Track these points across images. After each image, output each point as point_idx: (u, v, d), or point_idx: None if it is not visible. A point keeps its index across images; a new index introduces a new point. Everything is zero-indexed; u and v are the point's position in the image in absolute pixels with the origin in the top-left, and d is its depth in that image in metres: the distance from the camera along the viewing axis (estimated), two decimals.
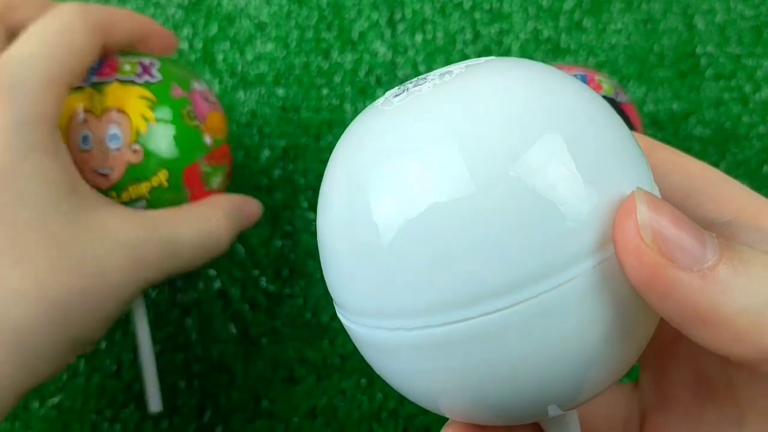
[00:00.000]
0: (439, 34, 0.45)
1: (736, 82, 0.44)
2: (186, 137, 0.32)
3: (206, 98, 0.34)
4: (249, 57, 0.45)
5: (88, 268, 0.29)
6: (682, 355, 0.22)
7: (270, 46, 0.45)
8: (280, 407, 0.38)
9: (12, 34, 0.31)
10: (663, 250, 0.16)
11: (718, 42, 0.45)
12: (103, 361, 0.39)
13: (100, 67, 0.32)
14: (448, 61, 0.45)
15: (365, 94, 0.44)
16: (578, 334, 0.17)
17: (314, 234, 0.19)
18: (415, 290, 0.17)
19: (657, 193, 0.19)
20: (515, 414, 0.18)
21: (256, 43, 0.45)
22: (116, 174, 0.31)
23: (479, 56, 0.45)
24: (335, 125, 0.43)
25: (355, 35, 0.45)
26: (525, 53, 0.45)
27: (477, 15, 0.46)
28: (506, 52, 0.45)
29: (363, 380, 0.38)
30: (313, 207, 0.41)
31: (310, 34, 0.45)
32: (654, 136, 0.43)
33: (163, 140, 0.32)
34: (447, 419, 0.21)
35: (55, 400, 0.38)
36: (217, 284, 0.40)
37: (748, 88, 0.44)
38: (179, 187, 0.32)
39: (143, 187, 0.32)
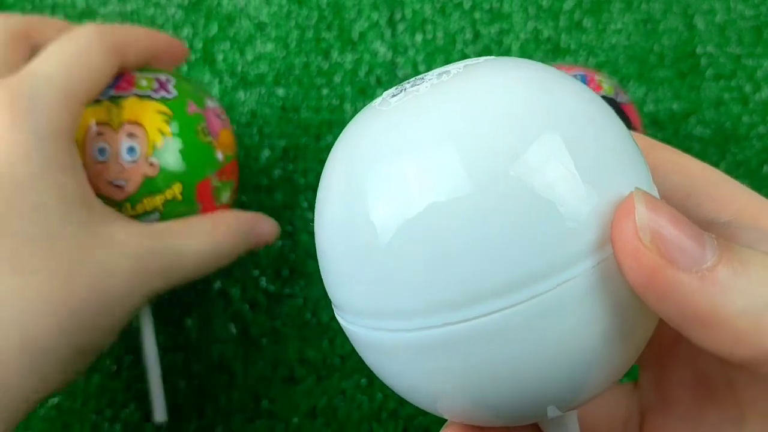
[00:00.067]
0: (439, 34, 0.45)
1: (736, 82, 0.44)
2: (200, 152, 0.33)
3: (218, 115, 0.35)
4: (249, 57, 0.45)
5: (97, 278, 0.29)
6: (681, 356, 0.22)
7: (270, 46, 0.45)
8: (280, 407, 0.38)
9: (33, 54, 0.32)
10: (662, 250, 0.16)
11: (718, 42, 0.45)
12: (103, 361, 0.39)
13: (118, 82, 0.33)
14: (448, 61, 0.45)
15: (365, 94, 0.44)
16: (577, 335, 0.17)
17: (314, 234, 0.19)
18: (414, 291, 0.17)
19: (656, 193, 0.19)
20: (514, 415, 0.18)
21: (256, 43, 0.45)
22: (132, 186, 0.32)
23: (479, 56, 0.45)
24: (335, 125, 0.43)
25: (355, 35, 0.45)
26: (525, 53, 0.45)
27: (477, 15, 0.46)
28: (506, 52, 0.45)
29: (363, 380, 0.38)
30: (313, 207, 0.41)
31: (310, 34, 0.45)
32: (654, 136, 0.43)
33: (178, 154, 0.32)
34: (446, 420, 0.21)
35: (55, 400, 0.38)
36: (217, 284, 0.40)
37: (748, 88, 0.44)
38: (192, 201, 0.33)
39: (157, 200, 0.32)
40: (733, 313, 0.16)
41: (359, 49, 0.45)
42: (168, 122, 0.32)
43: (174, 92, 0.33)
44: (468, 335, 0.17)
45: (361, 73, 0.44)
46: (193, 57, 0.45)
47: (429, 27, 0.45)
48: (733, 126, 0.43)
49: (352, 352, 0.38)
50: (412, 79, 0.20)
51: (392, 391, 0.20)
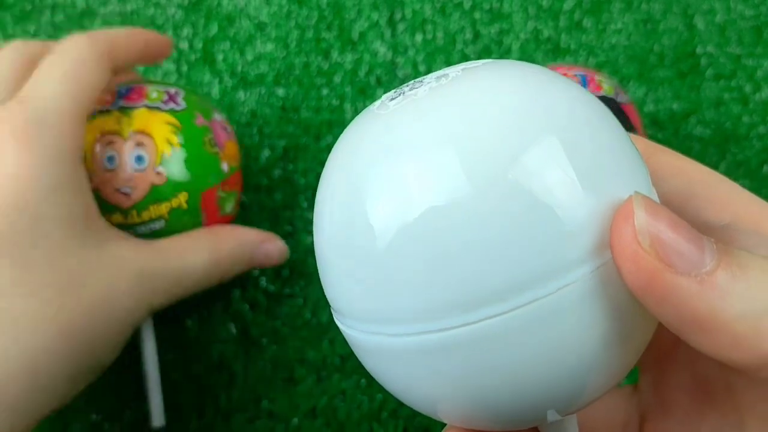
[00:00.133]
0: (439, 34, 0.45)
1: (736, 82, 0.44)
2: (206, 163, 0.34)
3: (224, 128, 0.36)
4: (249, 57, 0.45)
5: (99, 298, 0.30)
6: (680, 359, 0.22)
7: (270, 46, 0.45)
8: (280, 407, 0.38)
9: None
10: (661, 255, 0.16)
11: (718, 42, 0.45)
12: None
13: (128, 93, 0.34)
14: (448, 61, 0.45)
15: (365, 94, 0.44)
16: (576, 339, 0.17)
17: (313, 237, 0.19)
18: (413, 295, 0.17)
19: (655, 196, 0.19)
20: (514, 419, 0.18)
21: (256, 43, 0.45)
22: (138, 193, 0.33)
23: (479, 56, 0.45)
24: (335, 125, 0.43)
25: (355, 35, 0.45)
26: (525, 53, 0.45)
27: (477, 15, 0.46)
28: (506, 52, 0.45)
29: (363, 380, 0.38)
30: (313, 207, 0.41)
31: (310, 34, 0.45)
32: (654, 136, 0.43)
33: (185, 164, 0.33)
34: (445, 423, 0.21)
35: None
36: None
37: (748, 88, 0.44)
38: (196, 210, 0.34)
39: (163, 208, 0.33)
40: (732, 317, 0.16)
41: (359, 49, 0.45)
42: (176, 133, 0.33)
43: (183, 104, 0.34)
44: (467, 340, 0.17)
45: (361, 73, 0.44)
46: (193, 57, 0.45)
47: (429, 27, 0.45)
48: (733, 126, 0.43)
49: (352, 352, 0.38)
50: (411, 82, 0.20)
51: None
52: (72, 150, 0.31)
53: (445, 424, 0.20)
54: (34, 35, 0.46)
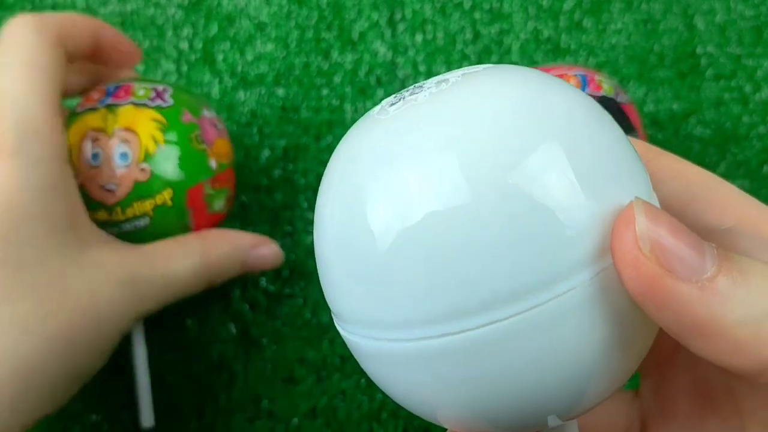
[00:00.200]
0: (439, 34, 0.45)
1: (737, 82, 0.44)
2: (192, 160, 0.34)
3: (215, 125, 0.36)
4: (249, 57, 0.45)
5: (85, 304, 0.30)
6: (681, 364, 0.22)
7: (270, 46, 0.45)
8: (280, 407, 0.38)
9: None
10: (661, 260, 0.16)
11: (719, 42, 0.45)
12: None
13: (116, 91, 0.34)
14: (448, 61, 0.45)
15: (365, 94, 0.44)
16: (577, 344, 0.17)
17: (313, 240, 0.19)
18: (413, 301, 0.17)
19: (656, 201, 0.19)
20: (514, 424, 0.18)
21: (256, 43, 0.45)
22: (122, 190, 0.32)
23: (479, 56, 0.45)
24: (335, 125, 0.43)
25: (355, 35, 0.45)
26: (525, 53, 0.45)
27: (477, 15, 0.46)
28: (506, 52, 0.45)
29: (363, 380, 0.38)
30: (313, 207, 0.41)
31: (310, 34, 0.45)
32: (654, 136, 0.43)
33: (169, 161, 0.33)
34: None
35: None
36: None
37: (748, 89, 0.44)
38: (182, 207, 0.34)
39: (147, 205, 0.33)
40: (733, 323, 0.16)
41: (359, 49, 0.45)
42: (162, 130, 0.33)
43: (170, 101, 0.34)
44: (467, 345, 0.17)
45: (361, 73, 0.44)
46: (193, 57, 0.45)
47: (429, 27, 0.45)
48: (733, 126, 0.43)
49: None
50: (411, 87, 0.20)
51: None
52: (57, 152, 0.30)
53: (445, 429, 0.21)
54: None
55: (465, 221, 0.16)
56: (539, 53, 0.45)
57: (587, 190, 0.17)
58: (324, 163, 0.41)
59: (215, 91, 0.44)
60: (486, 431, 0.19)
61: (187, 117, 0.34)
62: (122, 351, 0.35)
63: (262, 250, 0.36)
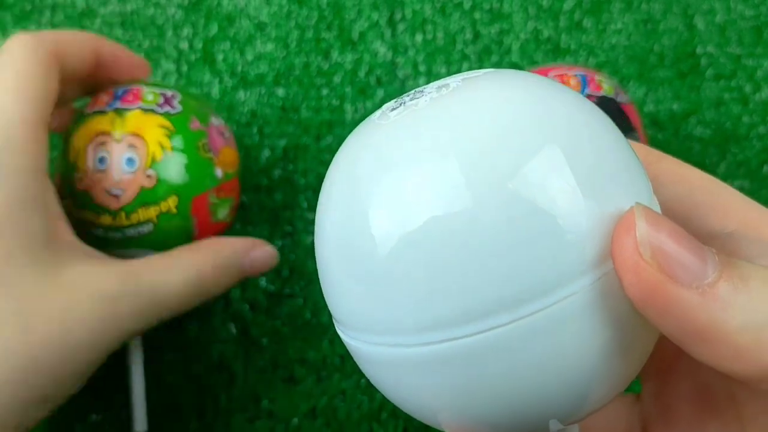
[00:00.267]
0: (439, 34, 0.45)
1: (737, 82, 0.44)
2: (198, 168, 0.34)
3: (222, 133, 0.36)
4: (249, 57, 0.45)
5: (59, 324, 0.28)
6: (682, 369, 0.22)
7: (270, 46, 0.45)
8: (280, 407, 0.38)
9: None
10: (662, 266, 0.16)
11: (719, 42, 0.45)
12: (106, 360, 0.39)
13: (125, 95, 0.34)
14: (449, 61, 0.44)
15: (365, 94, 0.44)
16: (578, 350, 0.17)
17: (314, 242, 0.19)
18: (414, 306, 0.17)
19: (657, 205, 0.19)
20: (516, 429, 0.18)
21: (256, 43, 0.45)
22: (127, 196, 0.32)
23: (479, 56, 0.45)
24: (335, 125, 0.43)
25: (355, 35, 0.45)
26: (525, 53, 0.45)
27: (477, 15, 0.46)
28: (506, 52, 0.45)
29: (363, 380, 0.38)
30: (313, 207, 0.41)
31: (310, 34, 0.45)
32: (654, 136, 0.43)
33: (176, 168, 0.33)
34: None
35: None
36: None
37: (748, 89, 0.44)
38: (186, 215, 0.33)
39: (152, 211, 0.33)
40: (734, 329, 0.16)
41: (359, 49, 0.45)
42: (169, 136, 0.33)
43: (178, 108, 0.34)
44: (468, 351, 0.17)
45: (361, 73, 0.44)
46: (193, 57, 0.45)
47: (429, 27, 0.45)
48: (733, 126, 0.43)
49: None
50: (411, 92, 0.20)
51: None
52: (32, 163, 0.29)
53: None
54: None
55: (466, 227, 0.16)
56: (539, 53, 0.45)
57: (588, 195, 0.17)
58: (324, 163, 0.41)
59: (215, 91, 0.44)
60: None
61: (195, 124, 0.34)
62: (122, 353, 0.36)
63: (256, 253, 0.35)
